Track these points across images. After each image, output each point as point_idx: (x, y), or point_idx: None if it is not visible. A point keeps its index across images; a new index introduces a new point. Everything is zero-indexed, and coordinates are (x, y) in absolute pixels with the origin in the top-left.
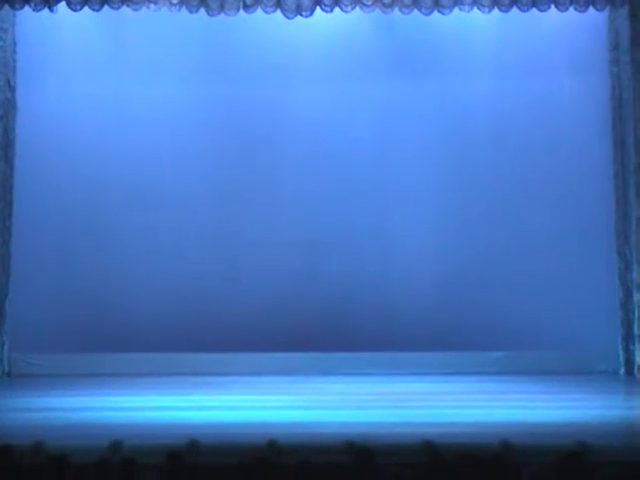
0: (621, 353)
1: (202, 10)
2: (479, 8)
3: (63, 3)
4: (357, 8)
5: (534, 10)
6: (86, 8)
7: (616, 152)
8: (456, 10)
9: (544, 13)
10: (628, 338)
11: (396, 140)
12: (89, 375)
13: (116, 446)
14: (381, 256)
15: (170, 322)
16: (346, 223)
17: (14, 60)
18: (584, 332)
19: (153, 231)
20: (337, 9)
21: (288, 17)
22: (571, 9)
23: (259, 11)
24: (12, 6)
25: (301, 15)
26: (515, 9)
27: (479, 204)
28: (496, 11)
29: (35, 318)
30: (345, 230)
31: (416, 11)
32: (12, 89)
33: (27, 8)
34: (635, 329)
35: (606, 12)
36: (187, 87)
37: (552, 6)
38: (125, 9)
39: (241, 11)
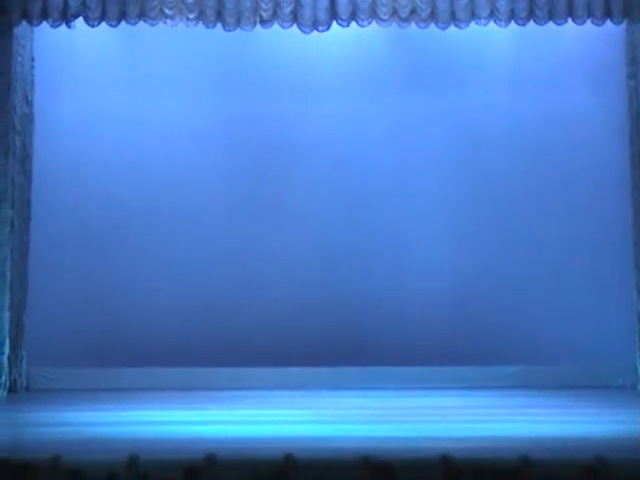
0: (639, 367)
1: (219, 25)
2: (496, 22)
3: (80, 19)
4: (373, 22)
5: (551, 23)
6: (103, 23)
7: (633, 166)
8: (473, 24)
9: (561, 27)
10: None
11: (411, 154)
12: (106, 390)
13: (132, 461)
14: (396, 270)
15: (186, 337)
16: (361, 238)
17: (32, 75)
18: (602, 346)
19: (169, 246)
20: (353, 23)
21: (304, 32)
22: (588, 22)
23: (275, 26)
24: (30, 22)
25: (317, 30)
26: (532, 22)
27: (494, 218)
28: (513, 24)
29: (53, 333)
30: (359, 245)
31: (432, 25)
32: (30, 104)
33: (45, 24)
34: None
35: (623, 25)
36: (203, 102)
37: (569, 19)
38: (142, 24)
39: (257, 26)
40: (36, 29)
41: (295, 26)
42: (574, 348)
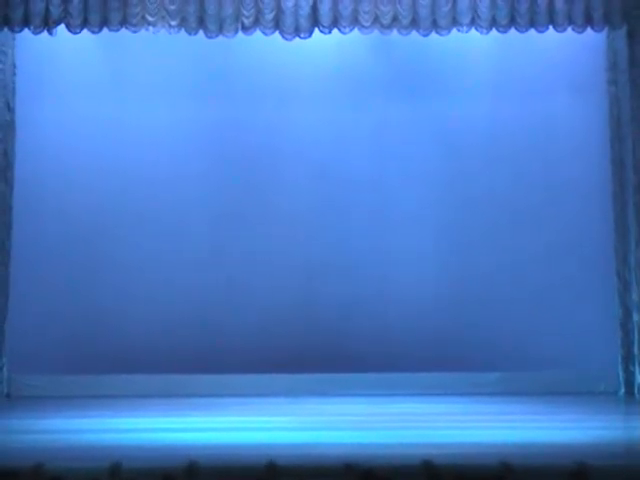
0: (621, 374)
1: (201, 32)
2: (477, 29)
3: (62, 26)
4: (355, 29)
5: (532, 31)
6: (85, 30)
7: (614, 172)
8: (454, 31)
9: (542, 34)
10: (628, 358)
11: (393, 161)
12: (88, 397)
13: (115, 468)
14: (379, 277)
15: (169, 344)
16: (344, 245)
17: (13, 82)
18: (584, 353)
19: (152, 253)
20: (335, 30)
21: (287, 38)
22: (569, 30)
23: (257, 33)
24: (12, 29)
25: (299, 37)
26: (513, 30)
27: (477, 225)
28: (494, 32)
29: (34, 340)
30: (343, 252)
31: (414, 32)
32: (12, 111)
33: (27, 31)
34: (635, 349)
35: (604, 33)
36: (185, 108)
37: (550, 27)
38: (124, 31)
39: (239, 33)
40: (18, 36)
41: (277, 33)
42: (556, 354)
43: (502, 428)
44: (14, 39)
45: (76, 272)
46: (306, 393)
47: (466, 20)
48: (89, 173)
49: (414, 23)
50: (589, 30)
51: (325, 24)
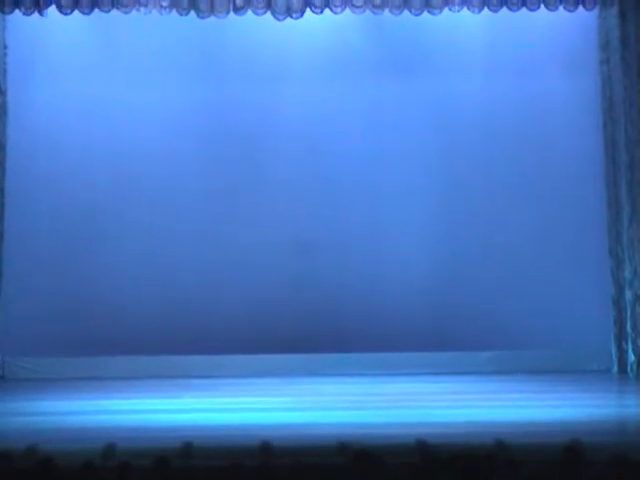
0: (614, 351)
1: (192, 12)
2: (469, 8)
3: (53, 7)
4: (347, 9)
5: (524, 10)
6: (76, 11)
7: (607, 151)
8: (446, 10)
9: (534, 13)
10: (621, 336)
11: (387, 140)
12: (82, 378)
13: (109, 449)
14: (373, 256)
15: (162, 325)
16: (337, 224)
17: (4, 64)
18: (576, 331)
19: (145, 233)
20: (327, 10)
21: (278, 19)
22: (561, 8)
23: (249, 13)
24: (1, 10)
25: (291, 17)
26: (505, 9)
27: (470, 204)
28: (486, 11)
29: (28, 322)
30: (336, 230)
31: (406, 12)
32: (3, 93)
33: (17, 12)
34: (628, 327)
35: (596, 11)
36: (177, 88)
37: (542, 6)
38: (115, 12)
39: (231, 13)
40: (8, 17)
41: (269, 13)
42: (549, 333)
43: (495, 407)
44: (4, 20)
45: (70, 254)
46: (300, 373)
47: None
48: (82, 153)
49: (405, 3)
50: (581, 9)
51: (317, 4)
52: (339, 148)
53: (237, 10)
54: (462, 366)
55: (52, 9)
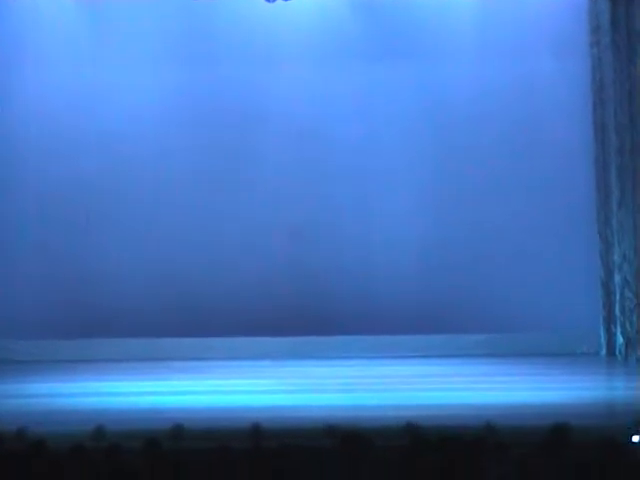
0: (602, 334)
1: None
2: None
3: None
4: None
5: None
6: None
7: (596, 135)
8: None
9: None
10: (609, 319)
11: (376, 123)
12: (72, 361)
13: (99, 432)
14: (363, 239)
15: (152, 307)
16: (327, 206)
17: None
18: (566, 314)
19: (136, 217)
20: None
21: (269, 0)
22: None
23: None
24: None
25: None
26: None
27: (460, 187)
28: None
29: (17, 304)
30: (326, 214)
31: None
32: None
33: None
34: (616, 310)
35: None
36: (169, 71)
37: None
38: None
39: None
40: None
41: None
42: (539, 316)
43: (485, 389)
44: None
45: (61, 237)
46: (290, 356)
47: None
48: (73, 136)
49: None
50: None
51: None
52: (330, 132)
53: None
54: (452, 349)
55: None
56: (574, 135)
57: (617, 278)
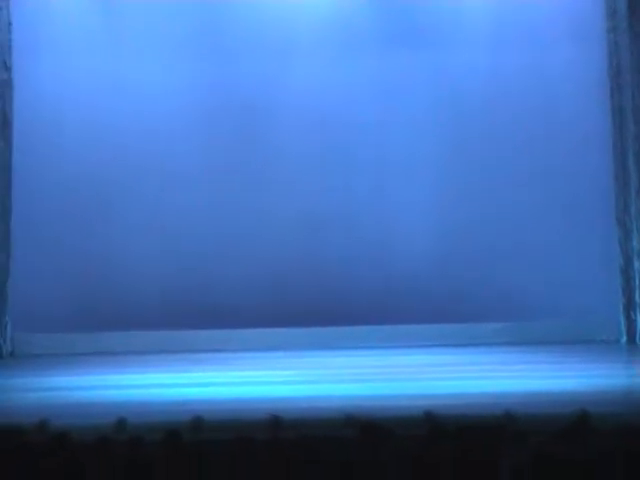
0: (622, 321)
1: None
2: None
3: None
4: None
5: None
6: None
7: (614, 121)
8: None
9: None
10: (629, 306)
11: (392, 113)
12: (92, 354)
13: (121, 424)
14: (380, 228)
15: (172, 299)
16: (344, 196)
17: (9, 40)
18: (585, 301)
19: (153, 209)
20: None
21: None
22: None
23: None
24: None
25: None
26: None
27: (477, 175)
28: None
29: (37, 298)
30: (343, 203)
31: None
32: (8, 69)
33: None
34: (636, 297)
35: None
36: (183, 63)
37: None
38: None
39: None
40: None
41: None
42: (558, 304)
43: (504, 378)
44: None
45: (77, 230)
46: (308, 346)
47: None
48: (88, 129)
49: None
50: None
51: None
52: (345, 122)
53: None
54: (471, 338)
55: None
56: (591, 121)
57: (637, 264)
